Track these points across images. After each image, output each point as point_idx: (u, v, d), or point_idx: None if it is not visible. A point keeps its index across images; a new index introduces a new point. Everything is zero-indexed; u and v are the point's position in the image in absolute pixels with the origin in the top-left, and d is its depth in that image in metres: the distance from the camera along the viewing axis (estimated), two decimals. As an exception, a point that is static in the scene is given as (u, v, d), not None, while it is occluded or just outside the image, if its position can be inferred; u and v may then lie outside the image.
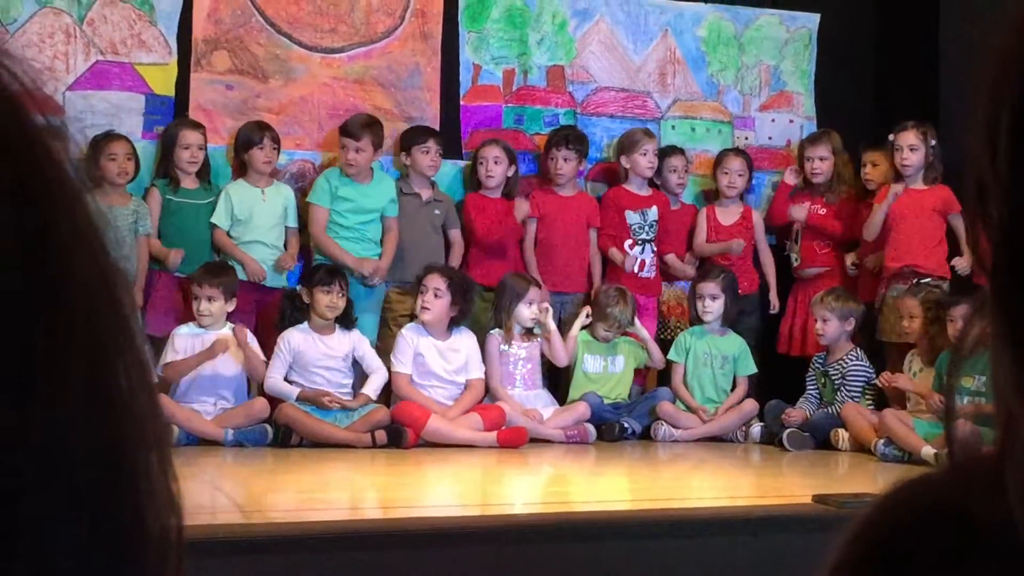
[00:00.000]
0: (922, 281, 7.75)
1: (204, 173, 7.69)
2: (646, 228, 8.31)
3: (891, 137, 8.03)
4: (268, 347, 7.43)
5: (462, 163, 8.36)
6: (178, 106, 7.83)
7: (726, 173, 8.54)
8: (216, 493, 5.47)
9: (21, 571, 0.54)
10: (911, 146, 7.95)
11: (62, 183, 0.58)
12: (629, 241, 8.30)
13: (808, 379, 7.93)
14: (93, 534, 0.56)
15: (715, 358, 7.95)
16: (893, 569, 0.75)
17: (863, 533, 0.78)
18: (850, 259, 8.39)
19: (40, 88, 0.58)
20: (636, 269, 8.28)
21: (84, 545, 0.56)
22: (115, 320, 0.58)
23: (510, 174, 8.12)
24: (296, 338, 7.33)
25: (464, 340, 7.58)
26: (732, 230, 8.52)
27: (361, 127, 7.77)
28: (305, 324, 7.35)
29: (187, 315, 7.33)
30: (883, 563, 0.76)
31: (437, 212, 8.03)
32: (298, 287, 7.50)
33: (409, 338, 7.46)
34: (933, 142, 7.91)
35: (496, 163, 8.07)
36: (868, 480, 6.30)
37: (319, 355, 7.32)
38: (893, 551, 0.75)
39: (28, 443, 0.54)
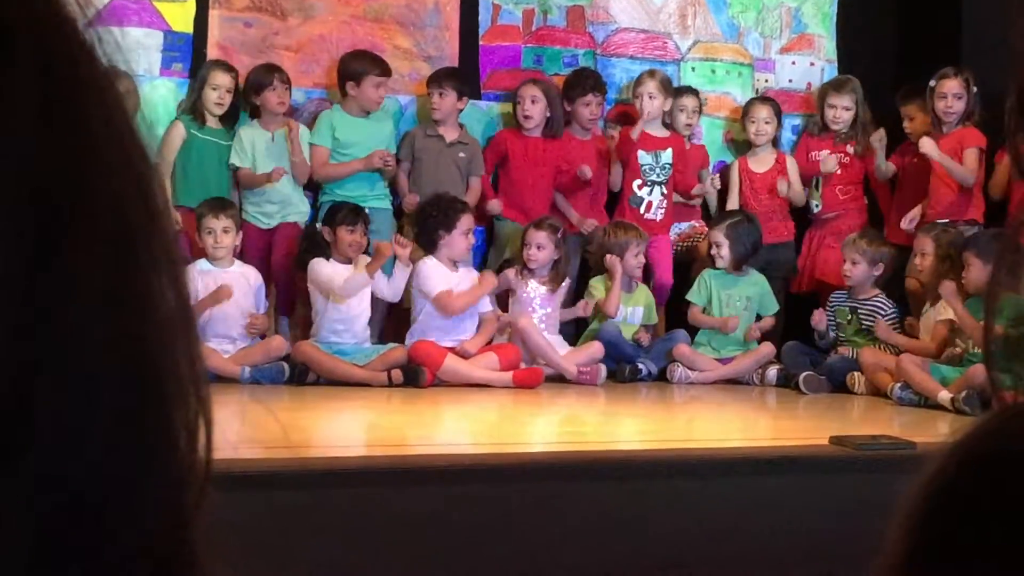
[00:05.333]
0: (938, 221, 7.74)
1: (228, 118, 7.69)
2: (657, 170, 8.28)
3: (932, 83, 7.96)
4: (281, 285, 7.48)
5: (483, 104, 8.34)
6: (196, 43, 7.80)
7: (753, 122, 8.52)
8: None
9: (35, 469, 0.52)
10: (956, 94, 7.93)
11: (92, 67, 0.56)
12: (638, 181, 8.28)
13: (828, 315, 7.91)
14: (113, 433, 0.54)
15: (738, 299, 7.94)
16: (992, 489, 0.74)
17: (963, 452, 0.76)
18: None
19: None
20: (642, 209, 8.26)
21: (103, 444, 0.54)
22: (144, 213, 0.57)
23: (549, 114, 8.12)
24: (327, 267, 7.35)
25: (471, 274, 7.62)
26: (767, 177, 8.48)
27: (385, 63, 7.85)
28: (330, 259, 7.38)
29: (193, 251, 7.31)
30: (984, 485, 0.74)
31: (462, 155, 8.01)
32: (319, 225, 7.49)
33: (431, 265, 7.45)
34: (975, 88, 7.88)
35: (533, 102, 8.07)
36: (884, 423, 6.30)
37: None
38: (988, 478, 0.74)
39: (43, 336, 0.52)
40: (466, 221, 7.48)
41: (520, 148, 8.13)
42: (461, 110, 8.06)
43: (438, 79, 7.99)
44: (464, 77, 8.11)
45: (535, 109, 8.08)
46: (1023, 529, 0.71)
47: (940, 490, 0.75)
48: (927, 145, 7.85)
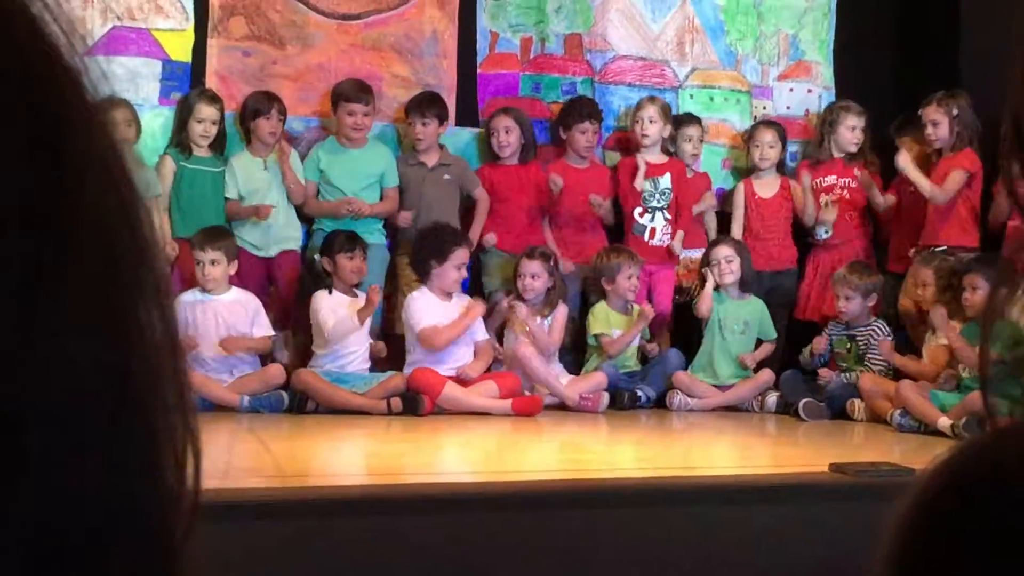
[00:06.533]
0: (936, 250, 7.74)
1: (217, 144, 7.68)
2: (656, 196, 8.28)
3: (920, 112, 7.99)
4: (280, 314, 7.50)
5: (479, 131, 8.35)
6: (195, 72, 7.81)
7: (757, 147, 8.51)
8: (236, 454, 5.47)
9: (24, 497, 0.52)
10: (933, 121, 7.92)
11: (77, 96, 0.56)
12: (639, 209, 8.29)
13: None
14: (103, 466, 0.54)
15: (737, 322, 7.94)
16: (974, 509, 0.73)
17: (950, 469, 0.76)
18: None
19: (65, 15, 0.57)
20: (647, 237, 8.26)
21: (88, 474, 0.54)
22: (130, 241, 0.57)
23: (524, 141, 8.13)
24: (325, 304, 7.36)
25: (463, 302, 7.60)
26: (772, 203, 8.48)
27: (362, 90, 7.78)
28: (333, 291, 7.40)
29: (188, 282, 7.30)
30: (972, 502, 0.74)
31: (447, 177, 7.99)
32: (317, 257, 7.48)
33: (421, 299, 7.46)
34: (956, 112, 7.85)
35: (507, 132, 8.08)
36: (884, 450, 6.29)
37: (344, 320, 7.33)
38: (975, 495, 0.74)
39: (30, 366, 0.52)
40: (460, 255, 7.48)
41: (504, 178, 8.13)
42: (442, 134, 8.05)
43: (420, 108, 7.94)
44: (443, 101, 8.09)
45: (510, 138, 8.09)
46: (1005, 548, 0.70)
47: (924, 510, 0.75)
48: (901, 159, 7.92)
